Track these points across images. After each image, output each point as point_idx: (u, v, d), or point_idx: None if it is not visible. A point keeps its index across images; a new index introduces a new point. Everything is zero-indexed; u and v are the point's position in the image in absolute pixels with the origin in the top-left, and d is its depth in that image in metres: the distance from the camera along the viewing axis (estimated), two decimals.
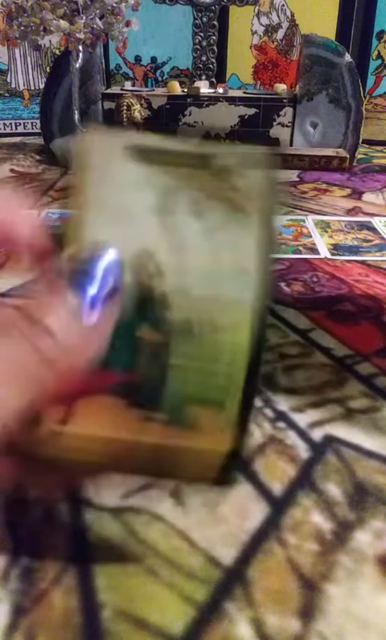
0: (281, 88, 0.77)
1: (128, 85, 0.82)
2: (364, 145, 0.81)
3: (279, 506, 0.19)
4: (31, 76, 0.87)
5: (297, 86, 0.75)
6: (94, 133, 0.13)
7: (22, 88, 0.87)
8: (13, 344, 0.11)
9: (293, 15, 0.86)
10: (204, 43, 0.79)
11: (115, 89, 0.80)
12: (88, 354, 0.12)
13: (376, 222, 0.51)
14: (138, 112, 0.71)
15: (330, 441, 0.23)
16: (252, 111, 0.75)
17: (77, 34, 0.62)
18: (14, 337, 0.11)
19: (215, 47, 0.79)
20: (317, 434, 0.23)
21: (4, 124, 0.87)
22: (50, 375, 0.11)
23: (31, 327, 0.11)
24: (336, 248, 0.44)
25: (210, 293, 0.13)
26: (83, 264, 0.12)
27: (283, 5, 0.85)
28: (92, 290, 0.12)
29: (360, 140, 0.74)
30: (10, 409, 0.11)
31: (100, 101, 0.76)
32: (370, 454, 0.22)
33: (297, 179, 0.66)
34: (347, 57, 0.72)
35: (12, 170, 0.68)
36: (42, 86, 0.81)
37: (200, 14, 0.78)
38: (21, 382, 0.11)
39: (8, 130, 0.88)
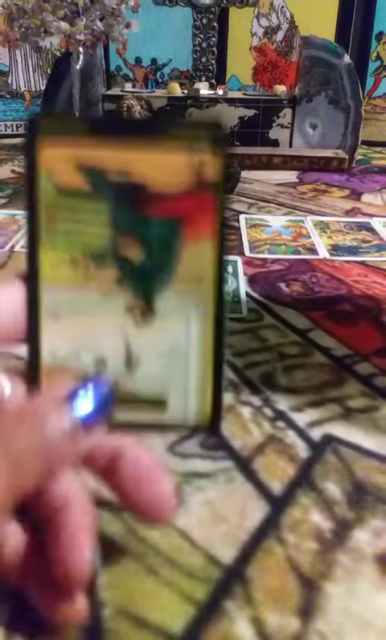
0: (281, 89, 0.77)
1: (128, 87, 0.82)
2: (363, 146, 0.82)
3: (278, 505, 0.19)
4: (32, 78, 0.88)
5: (297, 87, 0.75)
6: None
7: (23, 89, 0.88)
8: (31, 438, 0.12)
9: (292, 17, 0.86)
10: (204, 45, 0.79)
11: (115, 91, 0.80)
12: (68, 466, 0.13)
13: (375, 222, 0.51)
14: (139, 113, 0.72)
15: (329, 440, 0.23)
16: (252, 112, 0.75)
17: (78, 36, 0.62)
18: (31, 433, 0.12)
19: (214, 49, 0.80)
20: (316, 433, 0.23)
21: (5, 125, 0.88)
22: (44, 476, 0.12)
23: (41, 433, 0.12)
24: (335, 249, 0.44)
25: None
26: (80, 386, 0.13)
27: (282, 6, 0.86)
28: (86, 411, 0.13)
29: (359, 141, 0.74)
30: (23, 486, 0.12)
31: (100, 103, 0.77)
32: (369, 453, 0.22)
33: (297, 180, 0.66)
34: (347, 58, 0.72)
35: (13, 171, 0.68)
36: (43, 87, 0.81)
37: (200, 16, 0.78)
38: (31, 469, 0.12)
39: (9, 131, 0.88)
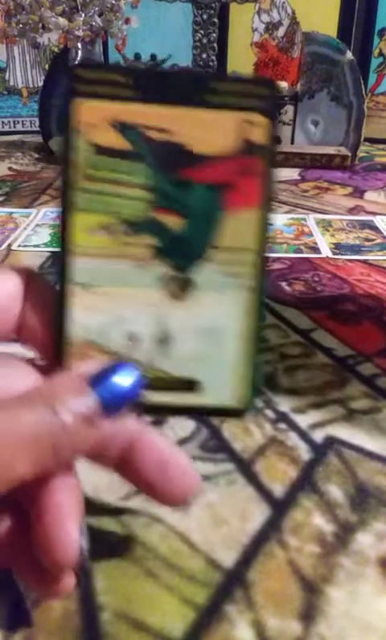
0: (282, 85, 0.76)
1: None
2: (366, 143, 0.81)
3: (280, 507, 0.19)
4: (30, 74, 0.87)
5: (299, 84, 0.75)
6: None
7: (20, 85, 0.87)
8: (36, 420, 0.11)
9: (294, 13, 0.85)
10: (204, 41, 0.79)
11: None
12: (85, 453, 0.12)
13: (378, 221, 0.50)
14: None
15: (331, 442, 0.23)
16: None
17: (76, 32, 0.62)
18: (38, 415, 0.11)
19: (215, 45, 0.79)
20: (318, 435, 0.23)
21: (2, 122, 0.87)
22: (52, 462, 0.11)
23: (52, 415, 0.11)
24: (338, 248, 0.44)
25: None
26: (107, 369, 0.12)
27: (284, 2, 0.85)
28: (110, 396, 0.12)
29: (362, 138, 0.73)
30: (15, 473, 0.11)
31: None
32: (372, 455, 0.22)
33: (299, 178, 0.66)
34: (349, 55, 0.71)
35: (10, 169, 0.68)
36: (40, 84, 0.81)
37: (200, 12, 0.77)
38: (32, 454, 0.11)
39: (7, 128, 0.87)
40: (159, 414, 0.14)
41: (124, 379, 0.12)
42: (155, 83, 0.12)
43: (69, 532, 0.12)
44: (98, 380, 0.12)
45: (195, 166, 0.12)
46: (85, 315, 0.13)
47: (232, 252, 0.13)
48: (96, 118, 0.12)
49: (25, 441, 0.11)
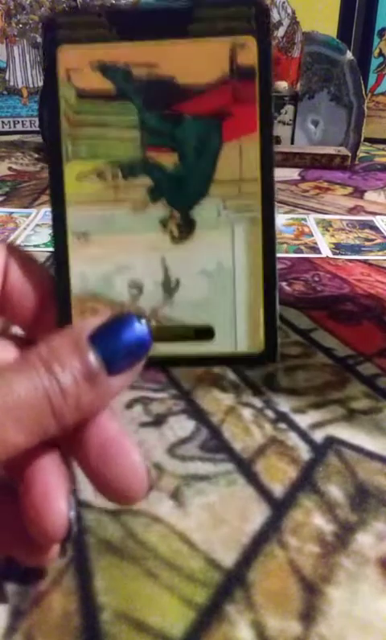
0: (282, 85, 0.76)
1: None
2: (366, 143, 0.81)
3: (280, 507, 0.19)
4: (30, 74, 0.87)
5: (299, 84, 0.75)
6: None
7: (20, 85, 0.87)
8: (31, 386, 0.10)
9: (294, 12, 0.85)
10: None
11: None
12: (95, 413, 0.12)
13: (378, 221, 0.50)
14: None
15: (331, 442, 0.23)
16: None
17: None
18: (33, 380, 0.10)
19: None
20: (318, 435, 0.23)
21: (2, 122, 0.87)
22: (54, 427, 0.11)
23: (49, 378, 0.10)
24: (338, 248, 0.44)
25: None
26: (109, 323, 0.11)
27: (284, 2, 0.85)
28: (114, 351, 0.11)
29: (362, 138, 0.73)
30: (8, 444, 0.10)
31: None
32: (372, 455, 0.22)
33: (299, 178, 0.66)
34: (349, 55, 0.71)
35: (10, 169, 0.68)
36: (40, 84, 0.81)
37: None
38: (28, 422, 0.10)
39: (7, 128, 0.87)
40: (170, 366, 0.13)
41: (129, 332, 0.11)
42: (135, 21, 0.11)
43: (58, 504, 0.11)
44: (100, 335, 0.11)
45: (185, 99, 0.12)
46: (86, 267, 0.12)
47: (234, 184, 0.12)
48: (78, 63, 0.12)
49: (17, 410, 0.10)
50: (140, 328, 0.11)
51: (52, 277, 0.13)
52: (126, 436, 0.12)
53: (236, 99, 0.12)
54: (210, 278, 0.12)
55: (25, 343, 0.13)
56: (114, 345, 0.11)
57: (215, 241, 0.12)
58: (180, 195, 0.12)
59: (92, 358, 0.11)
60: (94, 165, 0.12)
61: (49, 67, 0.12)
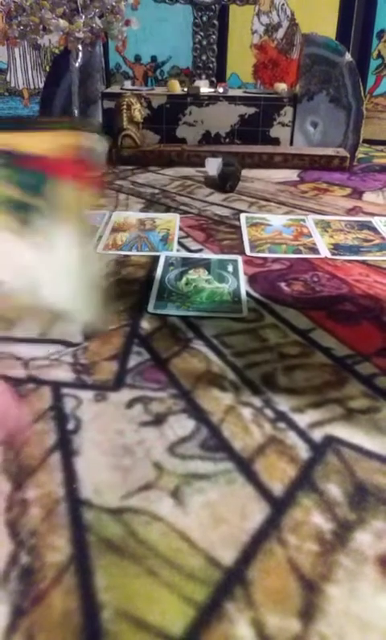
0: (282, 87, 0.77)
1: (128, 84, 0.82)
2: (365, 144, 0.81)
3: (279, 506, 0.19)
4: (31, 75, 0.87)
5: (298, 85, 0.75)
6: None
7: (21, 87, 0.87)
8: None
9: (293, 14, 0.85)
10: (204, 42, 0.79)
11: (115, 88, 0.80)
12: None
13: (377, 221, 0.50)
14: (138, 111, 0.71)
15: (330, 441, 0.23)
16: (252, 110, 0.75)
17: (77, 34, 0.62)
18: None
19: (215, 46, 0.79)
20: (317, 434, 0.23)
21: None
22: None
23: None
24: (336, 248, 0.44)
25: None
26: None
27: (283, 4, 0.85)
28: None
29: (361, 139, 0.73)
30: None
31: (99, 100, 0.76)
32: (370, 454, 0.22)
33: (298, 179, 0.66)
34: (348, 56, 0.71)
35: None
36: (41, 85, 0.81)
37: (200, 13, 0.78)
38: None
39: None
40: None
41: None
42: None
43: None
44: None
45: (26, 161, 0.21)
46: None
47: (57, 212, 0.21)
48: None
49: None
50: None
51: None
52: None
53: (59, 163, 0.21)
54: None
55: None
56: None
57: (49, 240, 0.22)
58: (24, 215, 0.22)
59: None
60: None
61: None
